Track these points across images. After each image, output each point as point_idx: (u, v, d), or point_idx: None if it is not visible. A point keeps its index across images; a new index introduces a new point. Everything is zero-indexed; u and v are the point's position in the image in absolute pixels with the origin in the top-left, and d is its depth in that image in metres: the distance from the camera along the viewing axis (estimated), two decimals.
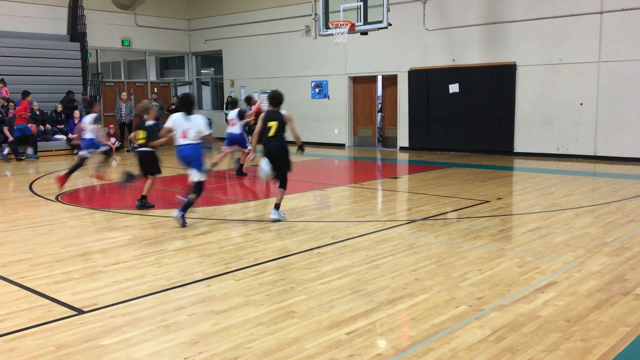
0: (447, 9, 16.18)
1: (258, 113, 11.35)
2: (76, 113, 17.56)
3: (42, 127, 16.71)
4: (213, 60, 23.51)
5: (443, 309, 4.45)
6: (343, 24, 14.26)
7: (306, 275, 5.35)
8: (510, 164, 14.06)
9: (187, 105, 7.55)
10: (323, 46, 18.09)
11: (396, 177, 12.43)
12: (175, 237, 6.88)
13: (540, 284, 5.01)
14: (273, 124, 7.50)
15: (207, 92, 24.28)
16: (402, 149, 17.58)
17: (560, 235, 6.71)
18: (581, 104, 14.26)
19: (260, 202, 9.37)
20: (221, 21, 21.88)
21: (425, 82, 16.84)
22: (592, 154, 14.26)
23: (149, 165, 8.60)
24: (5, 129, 15.72)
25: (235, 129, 11.88)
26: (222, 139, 22.00)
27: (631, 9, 13.31)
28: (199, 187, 7.44)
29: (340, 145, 19.00)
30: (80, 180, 11.66)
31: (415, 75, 17.09)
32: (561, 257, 5.82)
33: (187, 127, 7.39)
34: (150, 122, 8.56)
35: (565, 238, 6.59)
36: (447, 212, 8.23)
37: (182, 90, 23.71)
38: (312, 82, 19.58)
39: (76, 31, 19.69)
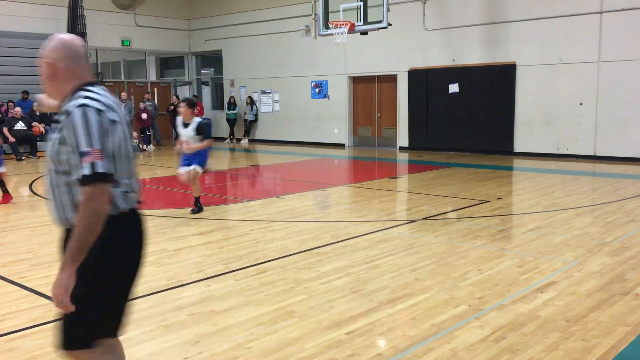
0: (446, 9, 16.18)
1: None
2: None
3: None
4: (213, 60, 23.49)
5: (443, 308, 4.45)
6: (343, 24, 14.27)
7: (306, 275, 5.35)
8: (510, 163, 14.06)
9: None
10: (323, 46, 18.09)
11: (396, 177, 12.43)
12: (175, 237, 6.88)
13: (540, 283, 5.01)
14: None
15: (207, 92, 24.27)
16: (402, 149, 17.58)
17: (560, 235, 6.71)
18: (581, 104, 14.26)
19: (261, 202, 9.37)
20: (221, 21, 21.87)
21: (425, 82, 16.84)
22: (591, 153, 14.26)
23: None
24: (5, 130, 15.70)
25: None
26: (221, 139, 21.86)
27: (631, 9, 13.31)
28: None
29: (340, 145, 19.00)
30: None
31: (415, 75, 17.08)
32: (561, 257, 5.83)
33: None
34: None
35: (565, 238, 6.59)
36: (446, 212, 8.23)
37: (182, 90, 23.72)
38: (312, 82, 19.58)
39: (76, 31, 19.63)
